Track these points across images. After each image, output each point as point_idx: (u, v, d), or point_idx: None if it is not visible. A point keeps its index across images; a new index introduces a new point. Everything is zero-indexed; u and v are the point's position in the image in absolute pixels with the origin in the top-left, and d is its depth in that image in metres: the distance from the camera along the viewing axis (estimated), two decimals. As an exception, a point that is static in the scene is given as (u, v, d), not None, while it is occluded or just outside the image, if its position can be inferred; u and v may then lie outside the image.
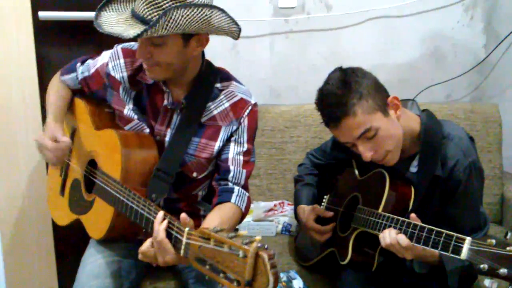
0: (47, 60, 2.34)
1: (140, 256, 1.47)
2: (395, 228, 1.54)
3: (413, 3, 2.57)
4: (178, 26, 1.47)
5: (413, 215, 1.52)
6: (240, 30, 1.64)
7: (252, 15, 2.52)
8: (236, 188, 1.71)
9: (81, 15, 2.28)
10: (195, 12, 1.48)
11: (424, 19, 2.61)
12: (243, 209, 1.71)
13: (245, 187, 1.75)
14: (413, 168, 1.71)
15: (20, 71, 2.22)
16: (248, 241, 1.08)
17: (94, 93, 1.87)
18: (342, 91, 1.59)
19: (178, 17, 1.46)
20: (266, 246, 1.06)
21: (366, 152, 1.62)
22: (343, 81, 1.61)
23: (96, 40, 2.26)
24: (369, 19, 2.59)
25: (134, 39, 1.49)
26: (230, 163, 1.72)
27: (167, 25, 1.45)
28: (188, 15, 1.47)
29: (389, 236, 1.52)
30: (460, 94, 2.72)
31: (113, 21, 1.57)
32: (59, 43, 2.37)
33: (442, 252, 1.38)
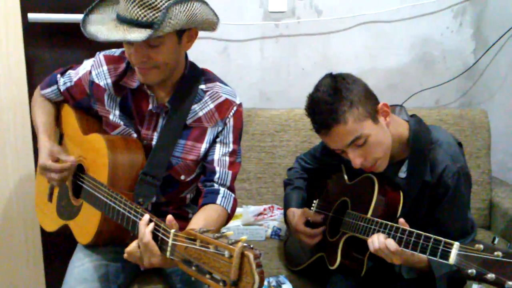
0: (36, 62, 2.33)
1: (125, 255, 1.46)
2: (383, 233, 1.54)
3: (402, 8, 2.58)
4: (179, 22, 1.48)
5: (401, 220, 1.52)
6: (218, 20, 1.66)
7: (242, 19, 2.53)
8: (222, 189, 1.71)
9: (70, 17, 2.27)
10: (189, 7, 1.50)
11: (413, 25, 2.62)
12: (228, 211, 1.71)
13: (231, 188, 1.75)
14: (402, 174, 1.71)
15: (9, 73, 2.21)
16: (233, 241, 1.08)
17: (78, 102, 1.86)
18: (333, 98, 1.59)
19: (177, 14, 1.47)
20: (251, 246, 1.07)
21: (356, 159, 1.62)
22: (333, 88, 1.61)
23: (85, 42, 2.24)
24: (359, 24, 2.60)
25: (136, 42, 1.51)
26: (216, 164, 1.72)
27: (170, 22, 1.46)
28: (185, 10, 1.49)
29: (377, 241, 1.52)
30: (449, 100, 2.74)
31: (103, 30, 1.56)
32: (49, 45, 2.36)
33: (431, 258, 1.39)
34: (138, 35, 1.47)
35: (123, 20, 1.52)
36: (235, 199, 1.75)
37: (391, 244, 1.49)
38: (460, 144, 1.73)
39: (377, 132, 1.61)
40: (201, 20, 1.57)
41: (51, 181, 1.73)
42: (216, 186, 1.72)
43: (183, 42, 1.61)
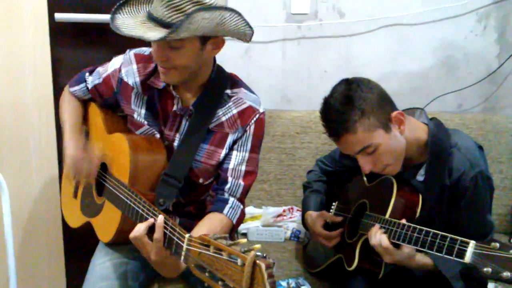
0: (62, 62, 2.36)
1: (131, 236, 1.47)
2: (400, 233, 1.54)
3: (426, 11, 2.57)
4: (199, 28, 1.48)
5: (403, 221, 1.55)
6: (253, 33, 1.65)
7: (265, 20, 2.54)
8: (231, 199, 1.71)
9: (97, 17, 2.30)
10: (216, 15, 1.50)
11: (436, 28, 2.60)
12: (234, 222, 1.71)
13: (241, 200, 1.75)
14: (420, 177, 1.71)
15: (35, 72, 2.24)
16: (246, 249, 1.08)
17: (105, 100, 1.88)
18: (344, 107, 1.60)
19: (200, 20, 1.46)
20: (264, 255, 1.06)
21: (365, 165, 1.65)
22: (346, 96, 1.61)
23: (111, 42, 2.28)
24: (382, 27, 2.59)
25: (155, 41, 1.51)
26: (229, 173, 1.72)
27: (189, 27, 1.46)
28: (209, 18, 1.48)
29: (374, 237, 1.57)
30: (472, 104, 2.71)
31: (130, 23, 1.58)
32: (75, 45, 2.39)
33: (437, 257, 1.40)
34: (155, 34, 1.48)
35: (151, 18, 1.54)
36: (242, 211, 1.75)
37: (384, 240, 1.55)
38: (480, 148, 1.72)
39: (388, 141, 1.62)
40: (229, 30, 1.56)
41: (78, 174, 1.76)
42: (226, 195, 1.72)
43: (207, 49, 1.60)
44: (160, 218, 1.43)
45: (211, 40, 1.60)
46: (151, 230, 1.45)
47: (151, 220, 1.46)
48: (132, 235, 1.47)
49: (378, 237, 1.56)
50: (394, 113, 1.64)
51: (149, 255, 1.47)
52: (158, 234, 1.42)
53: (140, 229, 1.46)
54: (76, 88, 1.92)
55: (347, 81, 1.67)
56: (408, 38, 2.61)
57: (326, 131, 1.68)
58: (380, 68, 2.59)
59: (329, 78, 2.56)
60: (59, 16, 2.28)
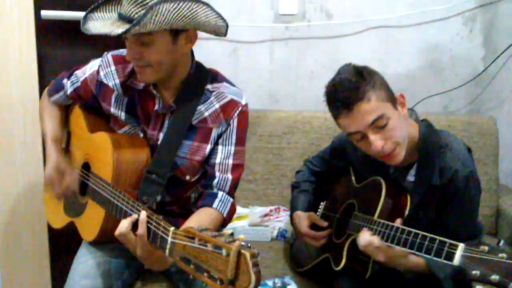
0: (49, 60, 2.34)
1: (117, 233, 1.47)
2: (389, 234, 1.54)
3: (412, 14, 2.59)
4: (165, 20, 1.48)
5: (398, 220, 1.56)
6: (227, 26, 1.65)
7: (252, 21, 2.54)
8: (220, 193, 1.72)
9: (83, 15, 2.28)
10: (181, 6, 1.49)
11: (423, 31, 2.62)
12: (224, 215, 1.71)
13: (230, 193, 1.75)
14: (411, 177, 1.71)
15: (21, 70, 2.22)
16: (231, 240, 1.08)
17: (86, 103, 1.87)
18: (357, 78, 1.59)
19: (165, 12, 1.46)
20: (249, 245, 1.06)
21: (377, 141, 1.59)
22: (356, 71, 1.61)
23: (97, 40, 2.26)
24: (369, 29, 2.60)
25: (121, 36, 1.51)
26: (216, 168, 1.72)
27: (154, 19, 1.45)
28: (174, 9, 1.48)
29: (363, 238, 1.58)
30: (457, 106, 2.73)
31: (99, 25, 1.58)
32: (61, 43, 2.37)
33: (430, 259, 1.40)
34: (120, 29, 1.48)
35: (121, 18, 1.54)
36: (233, 204, 1.75)
37: (375, 240, 1.55)
38: (469, 150, 1.73)
39: (397, 117, 1.61)
40: (199, 22, 1.56)
41: (55, 194, 1.78)
42: (215, 190, 1.72)
43: (180, 43, 1.60)
44: (143, 213, 1.43)
45: (183, 34, 1.59)
46: (135, 226, 1.45)
47: (134, 216, 1.46)
48: (117, 232, 1.46)
49: (368, 238, 1.56)
50: (397, 95, 1.65)
51: (135, 250, 1.47)
52: (141, 230, 1.42)
53: (124, 225, 1.46)
54: (56, 96, 1.91)
55: (352, 64, 1.67)
56: (395, 40, 2.63)
57: (336, 105, 1.61)
58: (367, 69, 2.60)
59: (316, 78, 2.59)
60: (45, 13, 2.27)
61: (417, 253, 1.45)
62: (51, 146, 1.83)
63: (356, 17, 2.58)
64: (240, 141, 1.75)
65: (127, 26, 1.48)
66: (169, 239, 1.30)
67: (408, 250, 1.48)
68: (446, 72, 2.69)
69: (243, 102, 1.74)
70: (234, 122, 1.72)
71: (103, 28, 1.55)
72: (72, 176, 1.78)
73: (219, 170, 1.72)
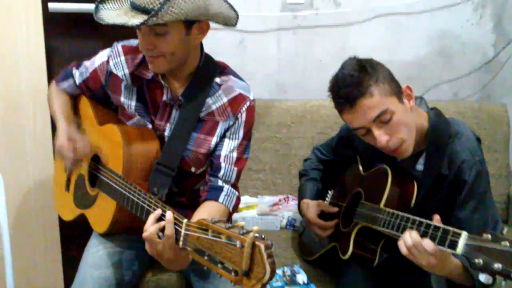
0: (57, 52, 2.35)
1: (144, 234, 1.43)
2: (394, 223, 1.53)
3: (421, 1, 2.56)
4: (182, 11, 1.47)
5: (437, 217, 1.43)
6: (238, 16, 1.65)
7: (260, 10, 2.53)
8: (226, 187, 1.72)
9: (90, 7, 2.25)
10: None
11: (432, 17, 2.60)
12: (230, 209, 1.72)
13: (235, 185, 1.75)
14: (420, 166, 1.70)
15: (30, 63, 2.22)
16: (245, 231, 1.09)
17: (94, 94, 1.88)
18: (359, 74, 1.58)
19: (181, 2, 1.46)
20: (263, 236, 1.07)
21: (382, 136, 1.58)
22: (359, 65, 1.60)
23: (105, 32, 2.27)
24: (377, 16, 2.58)
25: (141, 29, 1.51)
26: (222, 160, 1.72)
27: (171, 10, 1.46)
28: (191, 1, 1.48)
29: (410, 238, 1.42)
30: (468, 93, 2.71)
31: (113, 14, 1.58)
32: (69, 35, 2.38)
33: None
34: (136, 20, 1.48)
35: (134, 7, 1.54)
36: (238, 198, 1.76)
37: (428, 243, 1.38)
38: (478, 140, 1.71)
39: (402, 112, 1.59)
40: (212, 13, 1.56)
41: (67, 162, 1.75)
42: (220, 182, 1.72)
43: (192, 34, 1.60)
44: (169, 214, 1.40)
45: (196, 25, 1.59)
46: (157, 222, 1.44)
47: (157, 213, 1.43)
48: (145, 235, 1.42)
49: (418, 239, 1.40)
50: (404, 87, 1.64)
51: (161, 253, 1.42)
52: (169, 231, 1.38)
53: (150, 229, 1.42)
54: (65, 85, 1.92)
55: (356, 57, 1.66)
56: (404, 27, 2.60)
57: (340, 100, 1.61)
58: (376, 57, 2.51)
59: (324, 67, 2.58)
60: (52, 6, 2.27)
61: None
62: (61, 118, 1.82)
63: (364, 5, 2.56)
64: (246, 135, 1.76)
65: (142, 16, 1.49)
66: (183, 231, 1.30)
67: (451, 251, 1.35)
68: (456, 59, 2.66)
69: (251, 97, 1.75)
70: (243, 117, 1.73)
71: (116, 18, 1.55)
72: (83, 141, 1.75)
73: (225, 161, 1.73)
